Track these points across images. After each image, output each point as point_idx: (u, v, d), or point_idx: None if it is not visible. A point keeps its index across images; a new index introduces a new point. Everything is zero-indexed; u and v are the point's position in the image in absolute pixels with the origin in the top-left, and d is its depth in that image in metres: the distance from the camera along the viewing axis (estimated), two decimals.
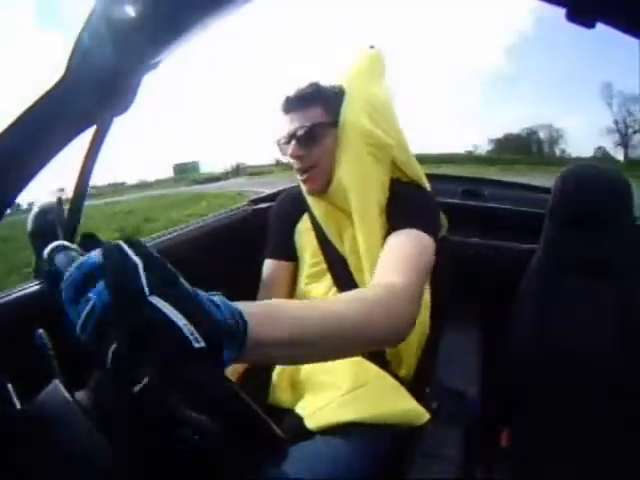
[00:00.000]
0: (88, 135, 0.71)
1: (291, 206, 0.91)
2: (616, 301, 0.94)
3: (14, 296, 0.68)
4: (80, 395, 0.42)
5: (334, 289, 0.81)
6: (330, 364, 0.75)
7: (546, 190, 1.23)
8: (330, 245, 0.82)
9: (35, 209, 0.71)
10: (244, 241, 0.93)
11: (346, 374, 0.73)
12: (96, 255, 0.31)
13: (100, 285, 0.29)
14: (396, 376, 0.78)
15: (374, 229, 0.76)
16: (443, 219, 0.85)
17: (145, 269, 0.29)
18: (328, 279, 0.82)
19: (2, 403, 0.44)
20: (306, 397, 0.75)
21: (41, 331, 0.46)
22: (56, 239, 0.54)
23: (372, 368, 0.75)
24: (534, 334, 0.96)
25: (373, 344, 0.53)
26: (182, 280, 0.32)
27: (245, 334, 0.34)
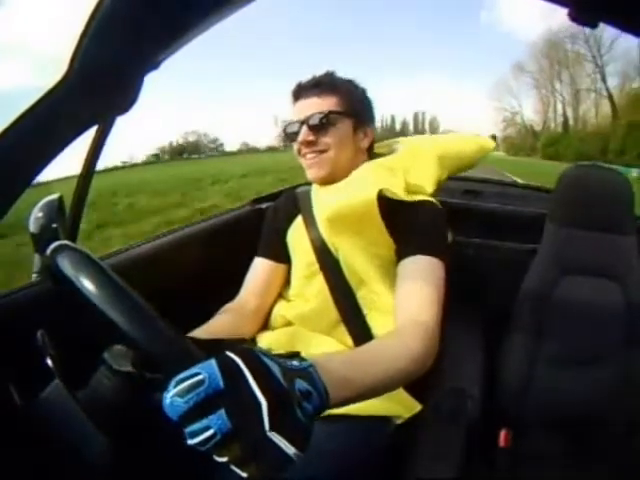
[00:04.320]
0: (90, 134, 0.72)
1: (287, 207, 0.90)
2: (617, 302, 0.94)
3: (14, 296, 0.68)
4: (80, 395, 0.42)
5: (326, 291, 0.80)
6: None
7: (547, 190, 1.23)
8: (324, 246, 0.80)
9: (36, 209, 0.72)
10: (244, 241, 0.93)
11: None
12: (215, 375, 0.32)
13: (221, 414, 0.31)
14: None
15: (371, 239, 0.75)
16: (449, 235, 0.82)
17: (269, 406, 0.32)
18: (320, 280, 0.81)
19: (3, 403, 0.44)
20: None
21: (41, 331, 0.46)
22: (57, 239, 0.54)
23: None
24: (534, 334, 0.96)
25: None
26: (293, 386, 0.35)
27: (327, 403, 0.39)
